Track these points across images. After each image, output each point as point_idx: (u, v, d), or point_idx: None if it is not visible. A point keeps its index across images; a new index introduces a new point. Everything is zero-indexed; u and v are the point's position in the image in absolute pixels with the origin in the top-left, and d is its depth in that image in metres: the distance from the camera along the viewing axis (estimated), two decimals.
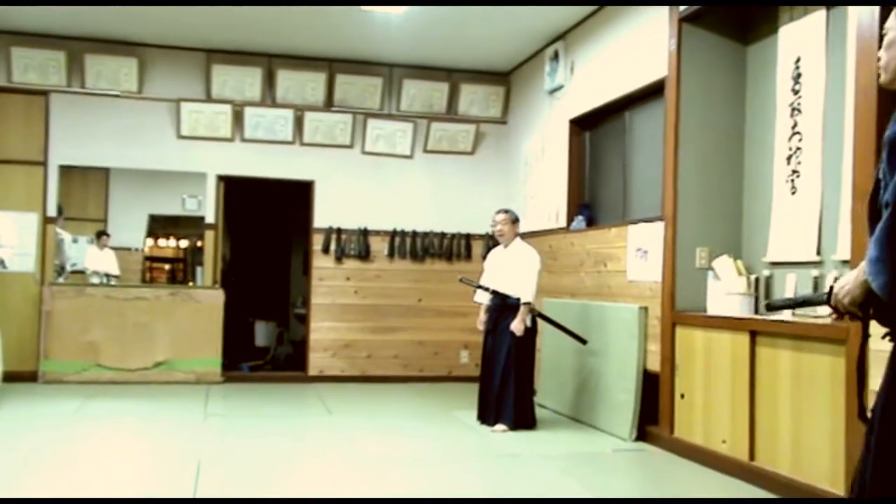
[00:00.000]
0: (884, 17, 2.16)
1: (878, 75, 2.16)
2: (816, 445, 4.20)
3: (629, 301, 6.03)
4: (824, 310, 4.06)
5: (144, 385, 7.80)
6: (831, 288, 2.13)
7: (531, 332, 6.09)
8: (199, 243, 8.57)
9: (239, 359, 8.91)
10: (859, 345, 2.24)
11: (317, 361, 8.56)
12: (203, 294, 8.27)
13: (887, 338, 2.07)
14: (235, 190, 8.84)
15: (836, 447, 4.02)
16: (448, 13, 6.96)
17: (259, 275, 10.49)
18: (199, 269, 8.54)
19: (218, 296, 8.28)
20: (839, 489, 3.98)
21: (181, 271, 8.89)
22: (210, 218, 8.47)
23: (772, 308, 2.45)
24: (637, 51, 6.12)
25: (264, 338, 9.83)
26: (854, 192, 3.98)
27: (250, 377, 8.63)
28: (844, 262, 4.37)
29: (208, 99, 8.32)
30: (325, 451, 5.38)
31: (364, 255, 8.68)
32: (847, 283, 2.06)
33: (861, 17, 3.94)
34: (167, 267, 8.95)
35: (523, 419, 6.06)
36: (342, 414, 6.70)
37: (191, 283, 8.57)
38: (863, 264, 1.99)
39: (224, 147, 8.42)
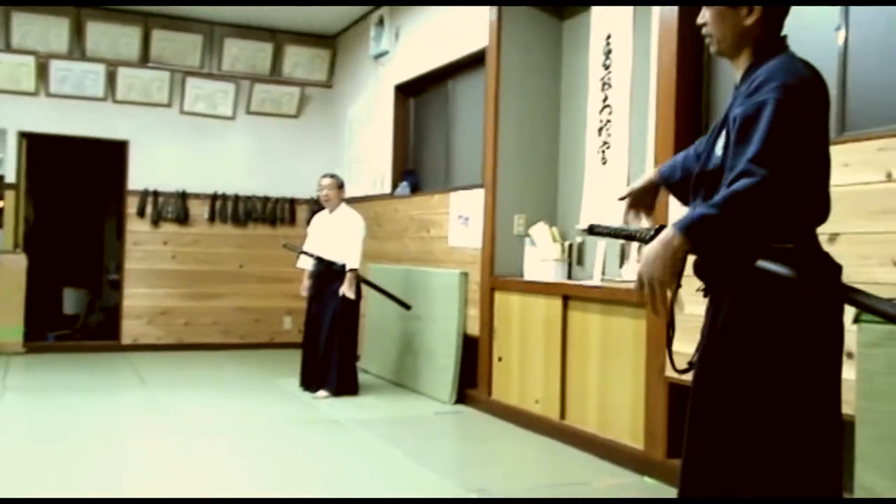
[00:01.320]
0: None
1: (709, 44, 2.17)
2: (620, 404, 4.46)
3: (451, 267, 6.14)
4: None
5: None
6: (656, 230, 2.03)
7: (355, 298, 6.09)
8: None
9: (44, 328, 8.39)
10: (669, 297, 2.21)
11: (131, 329, 8.20)
12: (3, 258, 7.70)
13: (701, 293, 2.11)
14: (41, 148, 8.25)
15: (637, 405, 4.29)
16: None
17: (68, 239, 9.87)
18: None
19: (20, 261, 7.73)
20: (639, 444, 4.25)
21: None
22: (10, 177, 7.88)
23: (593, 232, 2.38)
24: (460, 20, 6.18)
25: (73, 305, 9.27)
26: (656, 164, 4.21)
27: (57, 347, 8.14)
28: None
29: (8, 49, 7.70)
30: (136, 423, 5.18)
31: (183, 218, 8.37)
32: (652, 269, 1.91)
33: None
34: None
35: (346, 385, 6.07)
36: (157, 384, 6.46)
37: None
38: (668, 236, 1.91)
39: (27, 102, 7.85)
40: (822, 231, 2.05)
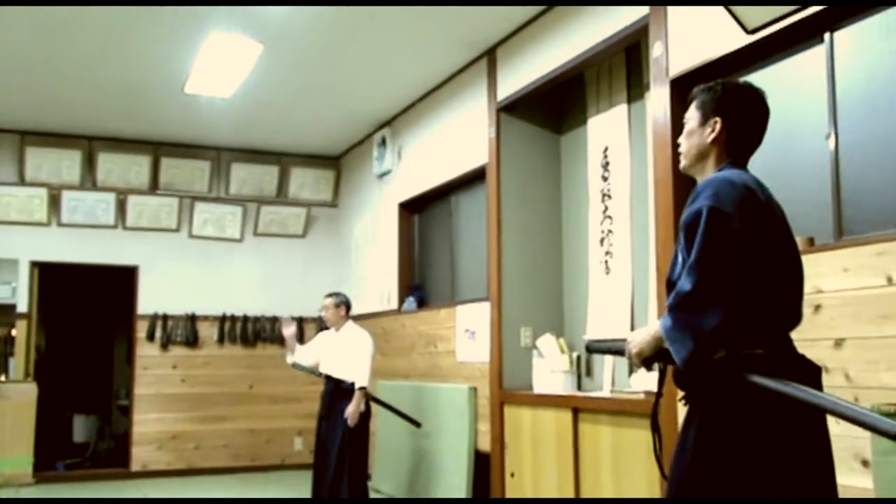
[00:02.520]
0: (683, 107, 2.35)
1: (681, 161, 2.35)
2: None
3: (460, 381, 6.10)
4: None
5: None
6: None
7: (365, 416, 6.00)
8: (11, 332, 8.00)
9: (54, 457, 8.29)
10: (653, 402, 2.34)
11: (140, 455, 8.10)
12: (13, 389, 7.68)
13: (682, 401, 2.18)
14: (53, 276, 8.35)
15: None
16: (275, 98, 6.98)
17: (78, 365, 9.87)
18: (10, 360, 7.94)
19: (30, 390, 7.71)
20: None
21: None
22: (22, 307, 7.94)
23: (590, 350, 2.55)
24: (460, 138, 6.33)
25: (83, 433, 9.19)
26: (658, 272, 4.24)
27: (66, 476, 8.03)
28: None
29: (21, 182, 7.90)
30: None
31: (192, 341, 8.38)
32: (640, 338, 2.15)
33: (656, 114, 4.27)
34: None
35: None
36: None
37: (0, 377, 7.95)
38: (659, 323, 2.08)
39: (39, 232, 7.99)
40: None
